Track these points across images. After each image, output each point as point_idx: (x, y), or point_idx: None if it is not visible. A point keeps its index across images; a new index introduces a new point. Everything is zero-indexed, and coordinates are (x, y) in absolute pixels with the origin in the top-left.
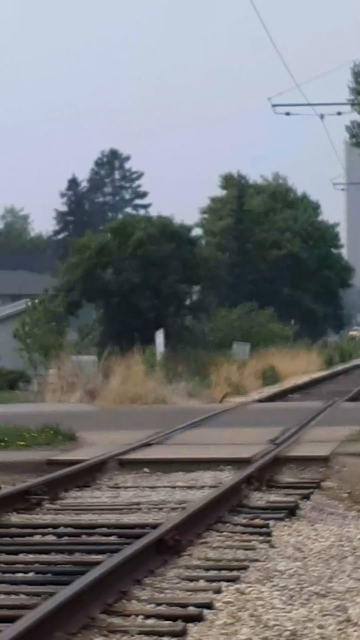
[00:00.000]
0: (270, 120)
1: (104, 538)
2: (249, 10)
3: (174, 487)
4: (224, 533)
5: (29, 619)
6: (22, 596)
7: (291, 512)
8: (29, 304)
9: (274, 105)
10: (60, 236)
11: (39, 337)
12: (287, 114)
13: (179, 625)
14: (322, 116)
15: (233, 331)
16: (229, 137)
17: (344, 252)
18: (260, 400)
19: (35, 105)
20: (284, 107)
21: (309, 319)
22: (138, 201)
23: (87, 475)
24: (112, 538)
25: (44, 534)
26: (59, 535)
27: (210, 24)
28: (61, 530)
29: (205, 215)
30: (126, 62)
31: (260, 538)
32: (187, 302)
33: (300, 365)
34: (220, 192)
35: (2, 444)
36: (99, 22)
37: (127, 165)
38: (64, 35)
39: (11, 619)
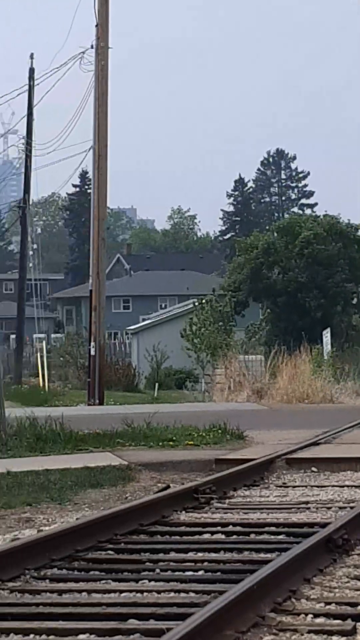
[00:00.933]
0: None
1: (272, 537)
2: None
3: (342, 486)
4: None
5: (199, 616)
6: (192, 594)
7: None
8: (197, 304)
9: None
10: (227, 236)
11: (207, 336)
12: None
13: (348, 624)
14: None
15: None
16: None
17: None
18: None
19: (200, 105)
20: None
21: None
22: (304, 201)
23: (255, 474)
24: (281, 537)
25: (213, 533)
26: (228, 534)
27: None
28: (230, 528)
29: None
30: (292, 66)
31: None
32: (354, 301)
33: None
34: None
35: (171, 443)
36: (261, 46)
37: (293, 165)
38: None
39: (182, 617)
